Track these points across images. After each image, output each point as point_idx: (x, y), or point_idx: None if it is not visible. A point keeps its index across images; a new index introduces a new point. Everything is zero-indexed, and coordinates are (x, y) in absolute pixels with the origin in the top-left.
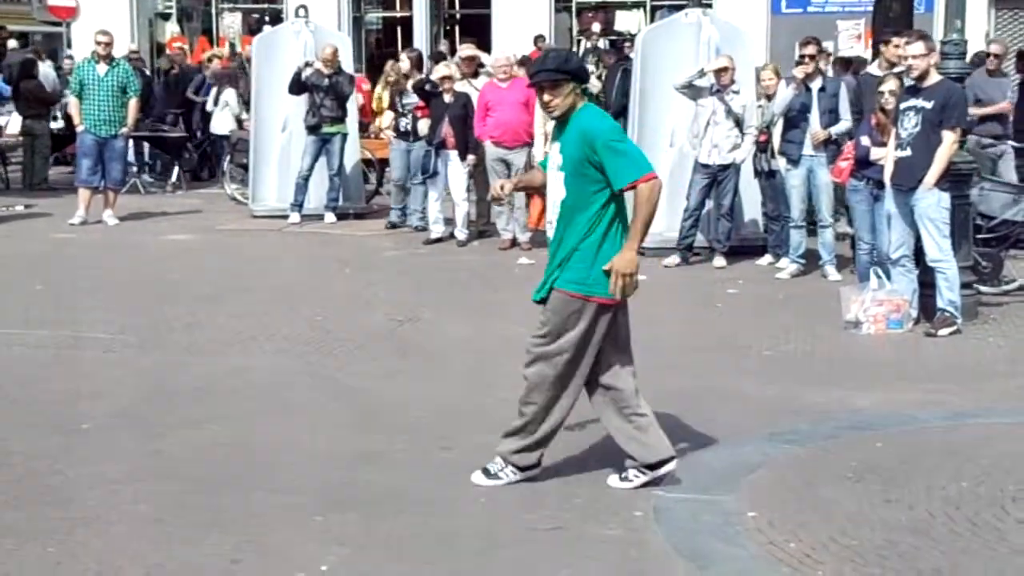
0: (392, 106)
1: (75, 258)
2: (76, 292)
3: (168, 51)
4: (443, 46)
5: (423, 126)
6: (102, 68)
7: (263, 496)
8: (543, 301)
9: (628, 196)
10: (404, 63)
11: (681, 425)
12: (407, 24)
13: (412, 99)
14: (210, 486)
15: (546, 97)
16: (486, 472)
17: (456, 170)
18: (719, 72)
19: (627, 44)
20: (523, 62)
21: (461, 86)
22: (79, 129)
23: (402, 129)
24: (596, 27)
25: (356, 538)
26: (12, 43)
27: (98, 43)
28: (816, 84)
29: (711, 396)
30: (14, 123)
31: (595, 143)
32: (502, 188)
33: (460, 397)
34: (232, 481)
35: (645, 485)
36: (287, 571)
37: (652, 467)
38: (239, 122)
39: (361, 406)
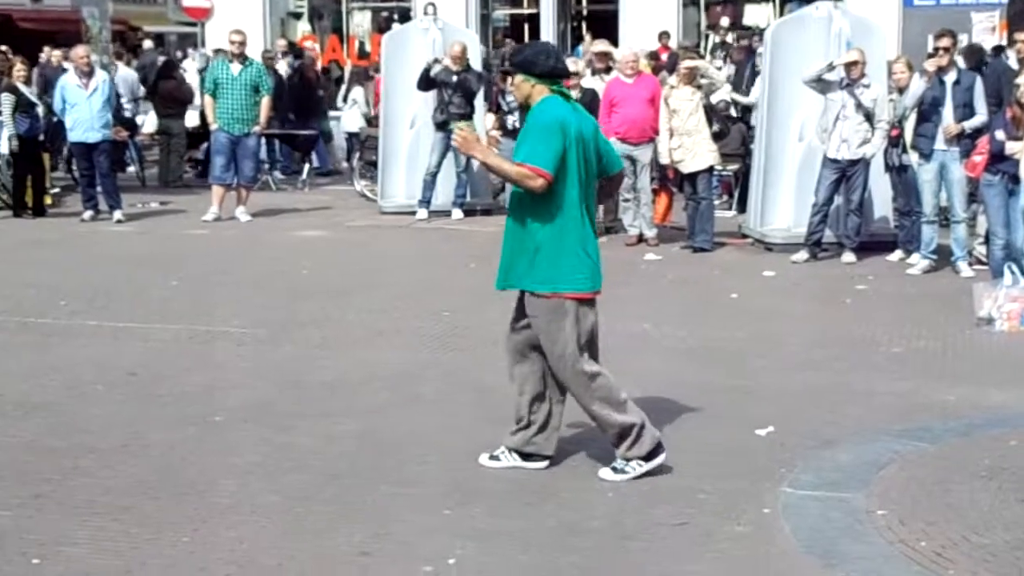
0: (494, 105)
1: (208, 254)
2: (209, 287)
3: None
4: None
5: None
6: (236, 67)
7: (392, 489)
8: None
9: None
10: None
11: (809, 422)
12: (534, 21)
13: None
14: (340, 478)
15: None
16: (614, 469)
17: None
18: (849, 66)
19: (756, 39)
20: (652, 57)
21: (592, 82)
22: (213, 128)
23: (509, 127)
24: (725, 21)
25: (483, 531)
26: (148, 43)
27: (232, 42)
28: (950, 77)
29: (840, 393)
30: (150, 122)
31: (530, 123)
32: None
33: None
34: (362, 474)
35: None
36: (415, 564)
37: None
38: (368, 120)
39: (488, 399)
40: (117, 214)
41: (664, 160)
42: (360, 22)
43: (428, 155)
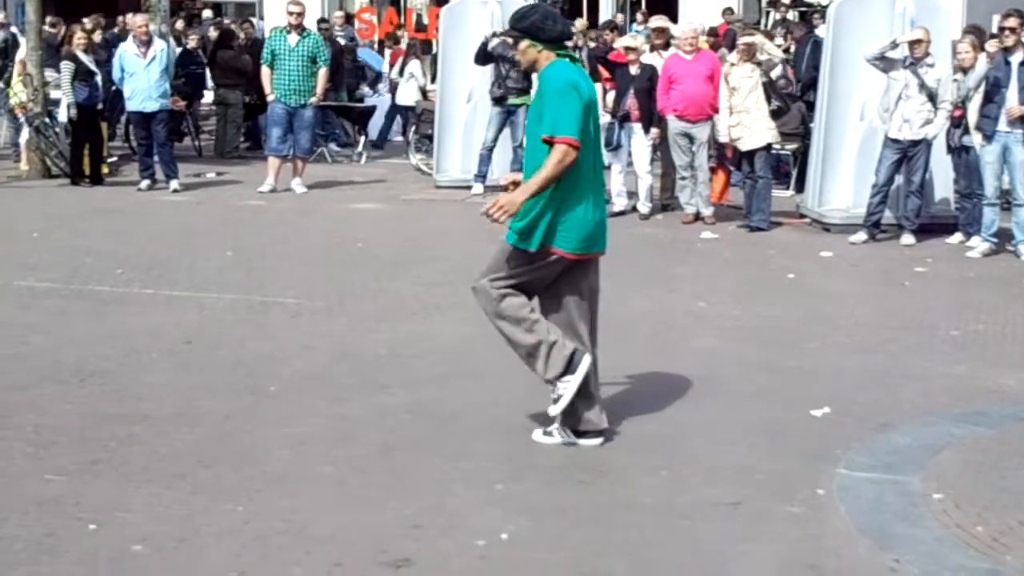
0: None
1: (264, 225)
2: (265, 258)
3: (358, 22)
4: (618, 18)
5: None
6: (293, 38)
7: (445, 462)
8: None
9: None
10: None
11: (866, 403)
12: None
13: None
14: (393, 451)
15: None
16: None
17: (640, 143)
18: (913, 44)
19: (816, 16)
20: (711, 34)
21: (651, 58)
22: (270, 99)
23: None
24: None
25: (536, 506)
26: (207, 13)
27: (290, 13)
28: (1016, 58)
29: (897, 375)
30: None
31: (544, 89)
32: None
33: (640, 368)
34: (415, 446)
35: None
36: (468, 537)
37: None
38: (424, 93)
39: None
40: (174, 184)
41: (723, 138)
42: None
43: (484, 129)
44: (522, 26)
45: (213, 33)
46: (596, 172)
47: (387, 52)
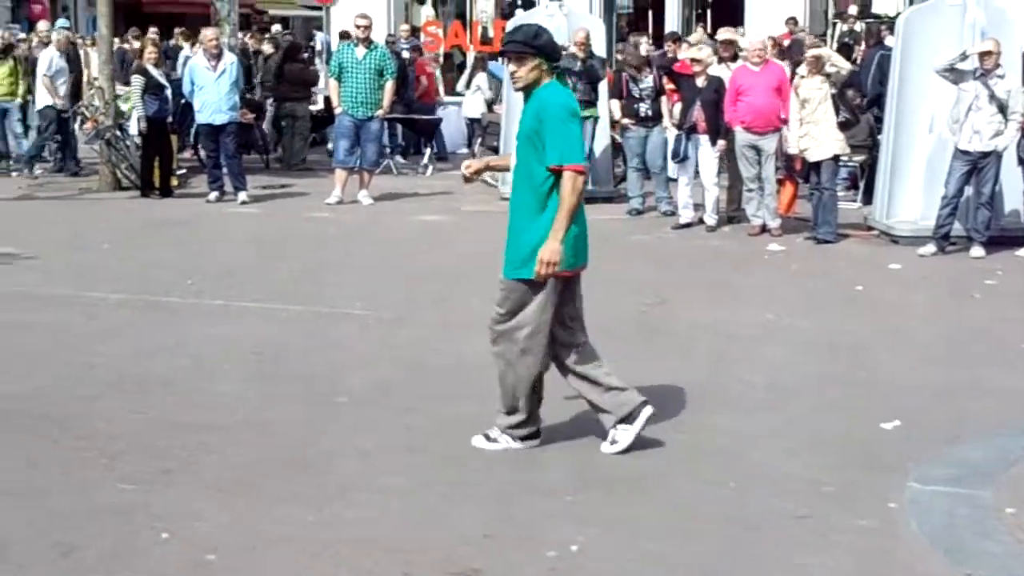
0: (622, 92)
1: (331, 236)
2: (332, 269)
3: (423, 35)
4: (678, 28)
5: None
6: (360, 51)
7: (513, 473)
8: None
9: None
10: (641, 47)
11: (936, 418)
12: (658, 7)
13: (647, 84)
14: (461, 461)
15: (511, 68)
16: (486, 437)
17: (707, 155)
18: (983, 55)
19: (884, 28)
20: (776, 45)
21: (719, 70)
22: (337, 111)
23: (642, 115)
24: (853, 9)
25: (605, 518)
26: (276, 27)
27: (358, 27)
28: None
29: (967, 388)
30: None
31: (544, 115)
32: (468, 167)
33: (707, 379)
34: (482, 457)
35: (631, 447)
36: (538, 549)
37: (627, 419)
38: (489, 105)
39: None
40: (242, 195)
41: (792, 150)
42: (484, 7)
43: None
44: (538, 43)
45: (267, 46)
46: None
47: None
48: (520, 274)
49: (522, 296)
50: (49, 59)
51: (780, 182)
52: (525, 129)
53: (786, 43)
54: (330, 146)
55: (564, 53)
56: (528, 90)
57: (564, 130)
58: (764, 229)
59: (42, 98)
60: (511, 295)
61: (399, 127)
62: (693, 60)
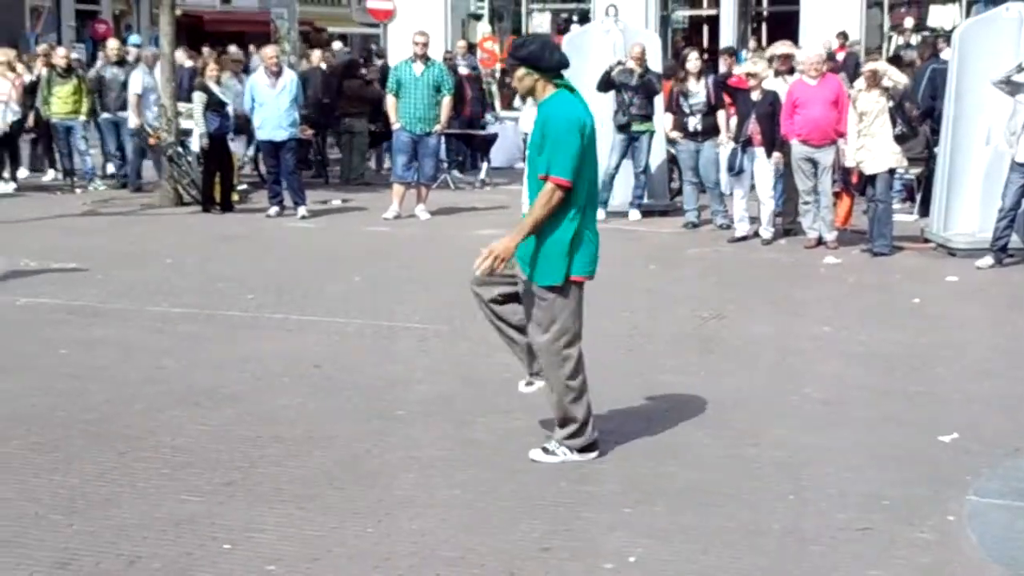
0: (673, 106)
1: (389, 251)
2: (390, 283)
3: (480, 51)
4: (751, 45)
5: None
6: (418, 67)
7: (570, 485)
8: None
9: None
10: (693, 63)
11: (996, 429)
12: (714, 22)
13: (698, 99)
14: (519, 474)
15: (508, 79)
16: (544, 450)
17: (763, 168)
18: None
19: (940, 40)
20: (830, 58)
21: (774, 83)
22: (395, 127)
23: (691, 129)
24: (908, 22)
25: (663, 530)
26: (337, 44)
27: (416, 43)
28: None
29: None
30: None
31: (547, 126)
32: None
33: (764, 392)
34: (540, 470)
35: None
36: (596, 560)
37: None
38: None
39: (667, 400)
40: (301, 210)
41: (849, 163)
42: (540, 23)
43: (607, 156)
44: (520, 54)
45: (316, 57)
46: (592, 194)
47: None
48: (548, 280)
49: (551, 304)
50: (140, 79)
51: (837, 195)
52: (535, 139)
53: (840, 56)
54: (387, 164)
55: (620, 68)
56: (533, 98)
57: (560, 142)
58: (820, 242)
59: (132, 119)
60: (542, 303)
61: (455, 142)
62: (748, 74)
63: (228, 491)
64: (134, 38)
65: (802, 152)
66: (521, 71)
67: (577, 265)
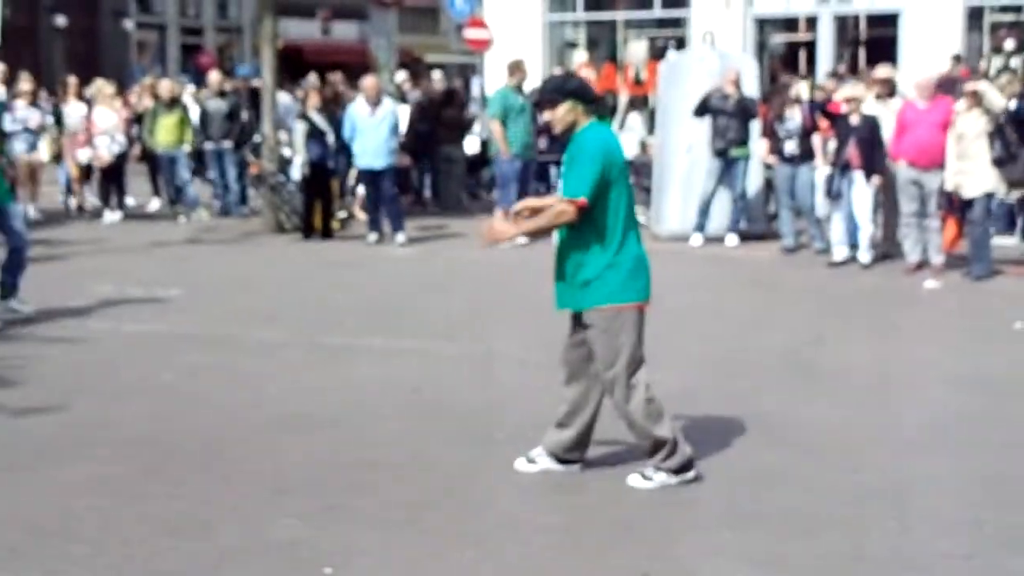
0: (769, 131)
1: (487, 277)
2: (489, 309)
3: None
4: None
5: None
6: (518, 95)
7: (671, 510)
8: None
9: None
10: (794, 90)
11: None
12: (811, 47)
13: (795, 123)
14: (619, 499)
15: (546, 115)
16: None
17: (862, 191)
18: None
19: None
20: (953, 82)
21: (874, 107)
22: (505, 156)
23: (787, 154)
24: (1009, 44)
25: (763, 556)
26: (437, 74)
27: (517, 72)
28: None
29: None
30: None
31: (579, 151)
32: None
33: (864, 418)
34: (640, 494)
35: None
36: None
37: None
38: (643, 146)
39: (766, 425)
40: (400, 237)
41: (948, 186)
42: (636, 50)
43: (703, 181)
44: (569, 88)
45: (408, 85)
46: (634, 220)
47: None
48: (606, 300)
49: (612, 336)
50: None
51: (943, 218)
52: (565, 165)
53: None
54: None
55: (716, 94)
56: (569, 132)
57: (584, 167)
58: (920, 266)
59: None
60: (603, 337)
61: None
62: (847, 99)
63: (330, 515)
64: (243, 69)
65: (909, 175)
66: (567, 105)
67: (631, 291)
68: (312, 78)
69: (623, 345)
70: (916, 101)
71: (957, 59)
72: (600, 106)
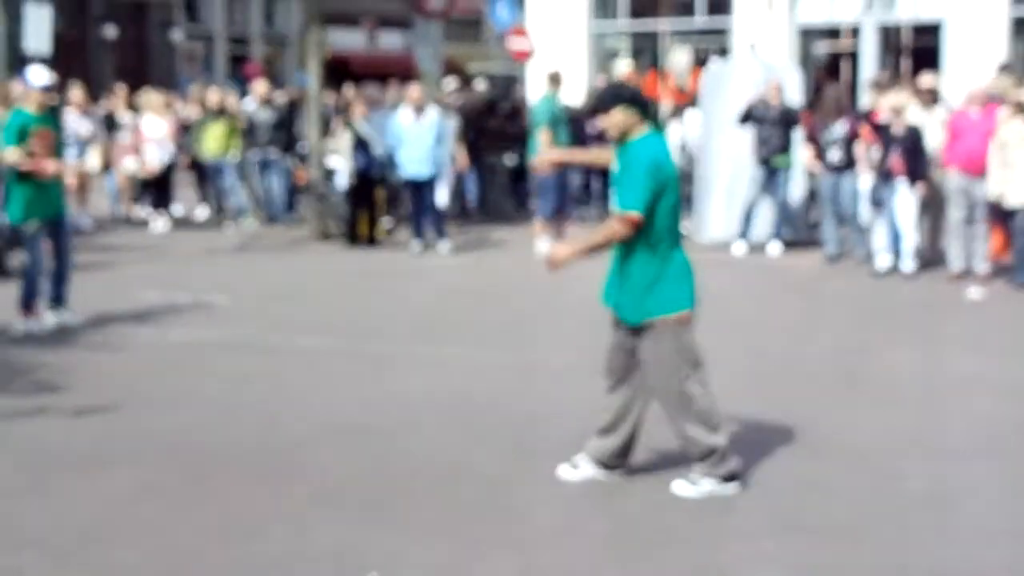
0: (812, 139)
1: (532, 286)
2: (533, 318)
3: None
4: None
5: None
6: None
7: (713, 518)
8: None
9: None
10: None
11: None
12: (854, 56)
13: (839, 132)
14: (664, 507)
15: (602, 121)
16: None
17: (905, 200)
18: None
19: None
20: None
21: (919, 116)
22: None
23: (829, 162)
24: None
25: (809, 564)
26: (481, 85)
27: (559, 81)
28: None
29: None
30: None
31: (632, 162)
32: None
33: (907, 427)
34: (684, 502)
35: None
36: None
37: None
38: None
39: (809, 434)
40: (444, 246)
41: (992, 195)
42: (680, 59)
43: (747, 189)
44: (627, 95)
45: (450, 92)
46: (677, 231)
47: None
48: (656, 312)
49: (663, 348)
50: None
51: (990, 226)
52: (618, 176)
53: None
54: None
55: (758, 102)
56: (624, 139)
57: (639, 179)
58: (963, 274)
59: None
60: (653, 348)
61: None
62: (893, 108)
63: (375, 522)
64: (301, 78)
65: (959, 182)
66: (624, 112)
67: (679, 300)
68: (350, 90)
69: (674, 354)
70: (968, 109)
71: (1007, 68)
72: (653, 114)
